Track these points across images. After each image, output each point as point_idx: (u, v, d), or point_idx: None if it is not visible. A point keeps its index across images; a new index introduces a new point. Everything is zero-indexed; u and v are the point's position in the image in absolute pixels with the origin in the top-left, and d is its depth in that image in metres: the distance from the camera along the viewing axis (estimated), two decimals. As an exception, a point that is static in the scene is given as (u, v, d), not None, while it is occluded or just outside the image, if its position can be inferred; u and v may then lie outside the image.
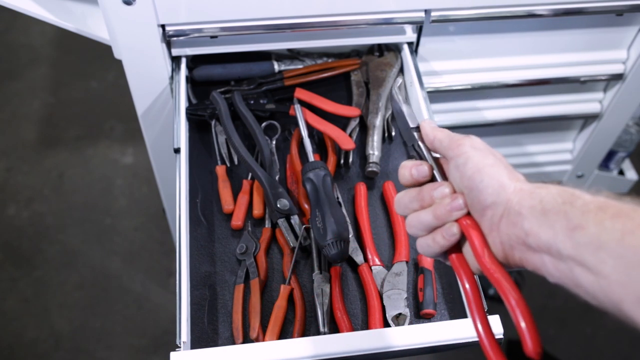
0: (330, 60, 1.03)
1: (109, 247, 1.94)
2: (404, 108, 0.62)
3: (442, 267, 0.79)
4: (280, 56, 1.04)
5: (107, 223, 1.99)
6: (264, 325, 0.73)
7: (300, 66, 1.02)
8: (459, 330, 0.66)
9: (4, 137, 2.20)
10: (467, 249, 0.53)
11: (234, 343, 0.71)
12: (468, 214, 0.52)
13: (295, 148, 0.91)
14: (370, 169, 0.88)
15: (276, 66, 1.01)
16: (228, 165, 0.90)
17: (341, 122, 0.93)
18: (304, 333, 0.73)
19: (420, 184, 0.56)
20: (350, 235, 0.81)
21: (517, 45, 1.08)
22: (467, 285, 0.53)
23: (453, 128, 1.19)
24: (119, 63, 0.91)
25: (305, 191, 0.83)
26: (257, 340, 0.71)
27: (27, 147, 2.18)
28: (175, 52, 0.95)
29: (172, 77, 0.95)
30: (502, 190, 0.49)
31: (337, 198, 0.85)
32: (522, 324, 0.47)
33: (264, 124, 0.94)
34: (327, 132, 0.90)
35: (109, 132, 2.23)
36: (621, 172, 1.52)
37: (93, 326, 1.78)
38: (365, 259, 0.79)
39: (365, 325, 0.74)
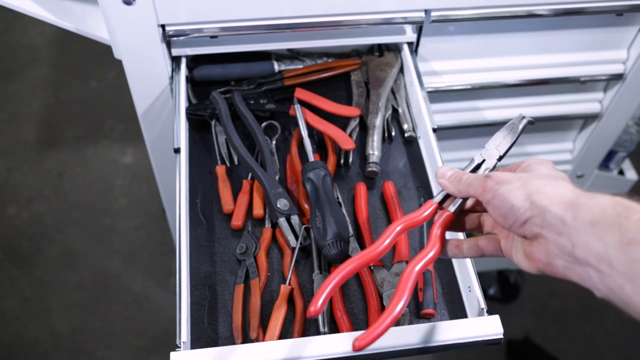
0: (330, 60, 1.03)
1: (109, 247, 1.94)
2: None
3: (442, 267, 0.79)
4: (280, 56, 1.04)
5: (107, 223, 1.99)
6: (264, 325, 0.73)
7: (300, 66, 1.02)
8: (459, 330, 0.66)
9: (4, 137, 2.21)
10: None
11: (234, 343, 0.71)
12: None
13: (295, 148, 0.91)
14: (370, 169, 0.88)
15: (276, 66, 1.01)
16: (228, 165, 0.90)
17: (341, 122, 0.93)
18: (304, 333, 0.73)
19: None
20: (350, 235, 0.81)
21: (517, 45, 1.08)
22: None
23: (453, 128, 1.20)
24: (119, 63, 0.91)
25: (305, 191, 0.83)
26: (257, 340, 0.71)
27: (27, 147, 2.18)
28: (175, 52, 0.95)
29: (172, 77, 0.95)
30: (534, 205, 0.50)
31: (337, 198, 0.85)
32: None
33: (264, 124, 0.94)
34: (327, 132, 0.90)
35: (109, 132, 2.23)
36: (621, 172, 1.52)
37: (93, 326, 1.78)
38: (365, 259, 0.79)
39: (365, 325, 0.74)
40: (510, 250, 0.56)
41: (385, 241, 0.61)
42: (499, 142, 0.66)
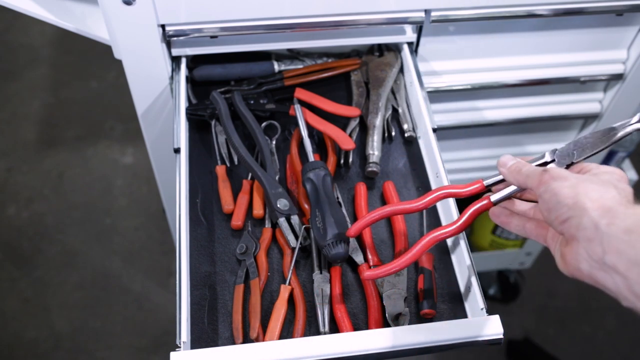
0: (330, 60, 1.03)
1: (109, 247, 1.94)
2: None
3: (442, 267, 0.79)
4: (280, 56, 1.04)
5: (107, 223, 1.99)
6: (264, 325, 0.73)
7: (300, 66, 1.02)
8: (459, 330, 0.66)
9: (4, 137, 2.21)
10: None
11: (234, 343, 0.71)
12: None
13: (295, 148, 0.91)
14: (370, 169, 0.88)
15: (276, 66, 1.01)
16: (228, 165, 0.90)
17: (341, 122, 0.93)
18: (304, 333, 0.73)
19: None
20: (350, 235, 0.81)
21: (517, 45, 1.08)
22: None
23: (453, 128, 1.20)
24: (119, 63, 0.91)
25: (305, 191, 0.83)
26: (257, 340, 0.71)
27: (27, 147, 2.18)
28: (175, 52, 0.95)
29: (172, 77, 0.95)
30: (576, 206, 0.50)
31: (337, 198, 0.85)
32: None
33: (264, 124, 0.94)
34: (327, 132, 0.90)
35: (109, 132, 2.23)
36: (621, 172, 1.51)
37: (93, 326, 1.78)
38: (365, 259, 0.79)
39: (365, 325, 0.74)
40: (554, 247, 0.57)
41: (425, 198, 0.66)
42: (580, 146, 0.63)
